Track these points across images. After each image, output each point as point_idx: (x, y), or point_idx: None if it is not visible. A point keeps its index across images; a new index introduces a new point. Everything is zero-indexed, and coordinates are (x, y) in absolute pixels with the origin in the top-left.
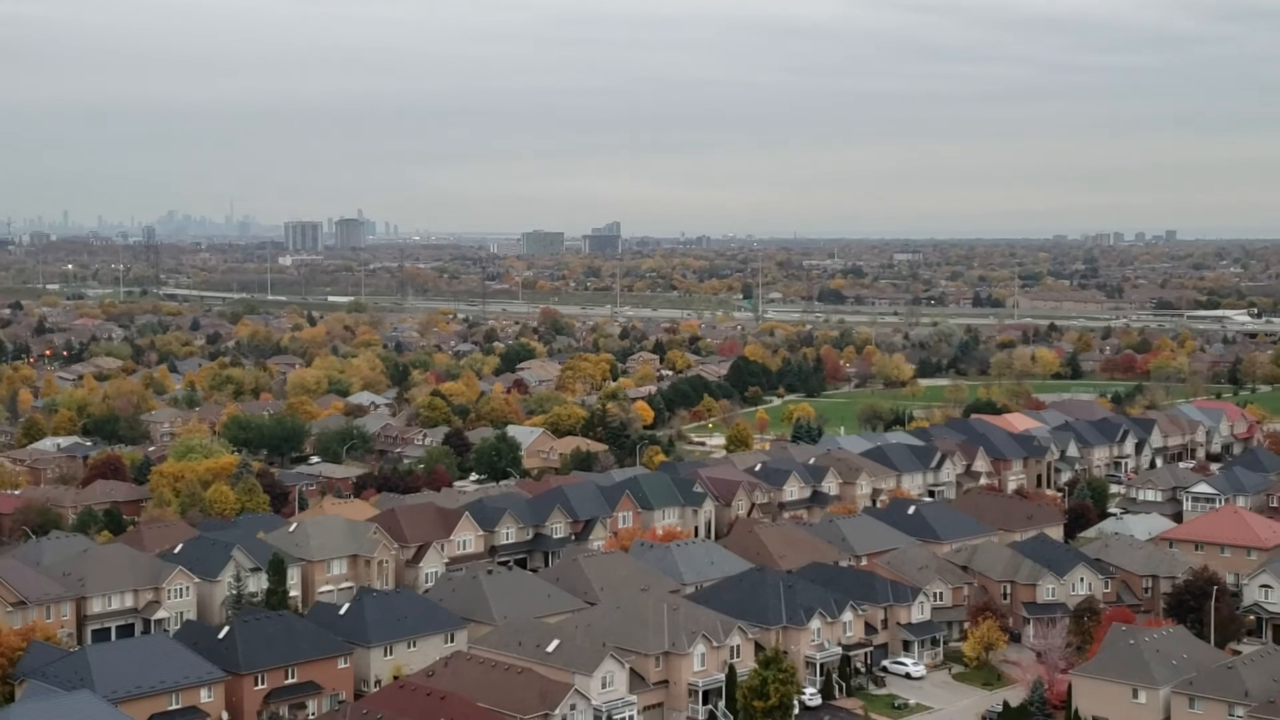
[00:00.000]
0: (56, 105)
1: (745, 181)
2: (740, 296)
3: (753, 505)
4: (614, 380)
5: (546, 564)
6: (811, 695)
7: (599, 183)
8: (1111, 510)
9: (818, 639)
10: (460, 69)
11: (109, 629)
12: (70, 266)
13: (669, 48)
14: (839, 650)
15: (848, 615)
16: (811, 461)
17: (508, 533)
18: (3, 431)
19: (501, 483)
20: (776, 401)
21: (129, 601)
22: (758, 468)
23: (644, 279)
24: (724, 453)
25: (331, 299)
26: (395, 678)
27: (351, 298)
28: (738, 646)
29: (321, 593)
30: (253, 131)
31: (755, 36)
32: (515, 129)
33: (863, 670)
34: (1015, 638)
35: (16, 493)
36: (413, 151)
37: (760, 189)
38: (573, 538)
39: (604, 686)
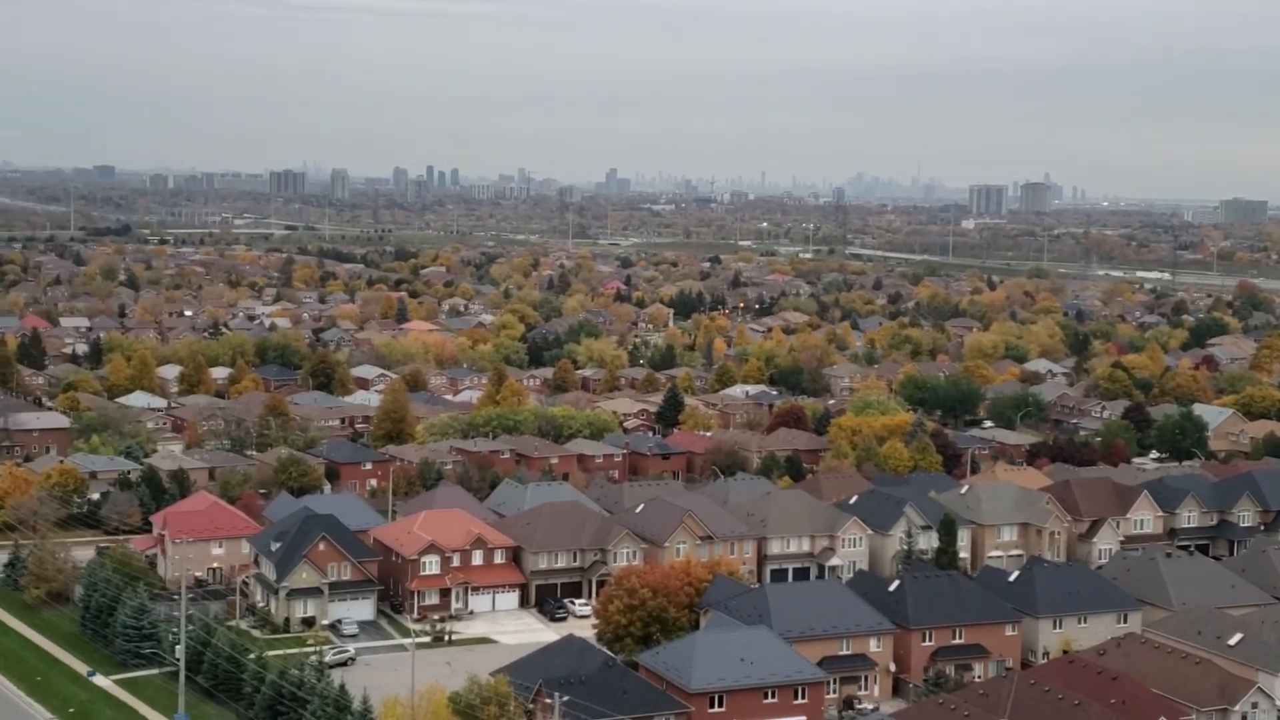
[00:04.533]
0: (762, 69)
1: None
2: None
3: None
4: None
5: (1231, 553)
6: None
7: None
8: None
9: None
10: (1155, 29)
11: (786, 570)
12: (764, 224)
13: None
14: None
15: None
16: None
17: (1189, 516)
18: (699, 376)
19: (1184, 463)
20: None
21: (805, 546)
22: None
23: None
24: None
25: (1013, 264)
26: (1064, 651)
27: (1033, 263)
28: None
29: (990, 557)
30: (941, 94)
31: None
32: (1216, 91)
33: None
34: None
35: (708, 434)
36: (1104, 114)
37: None
38: (1261, 528)
39: None
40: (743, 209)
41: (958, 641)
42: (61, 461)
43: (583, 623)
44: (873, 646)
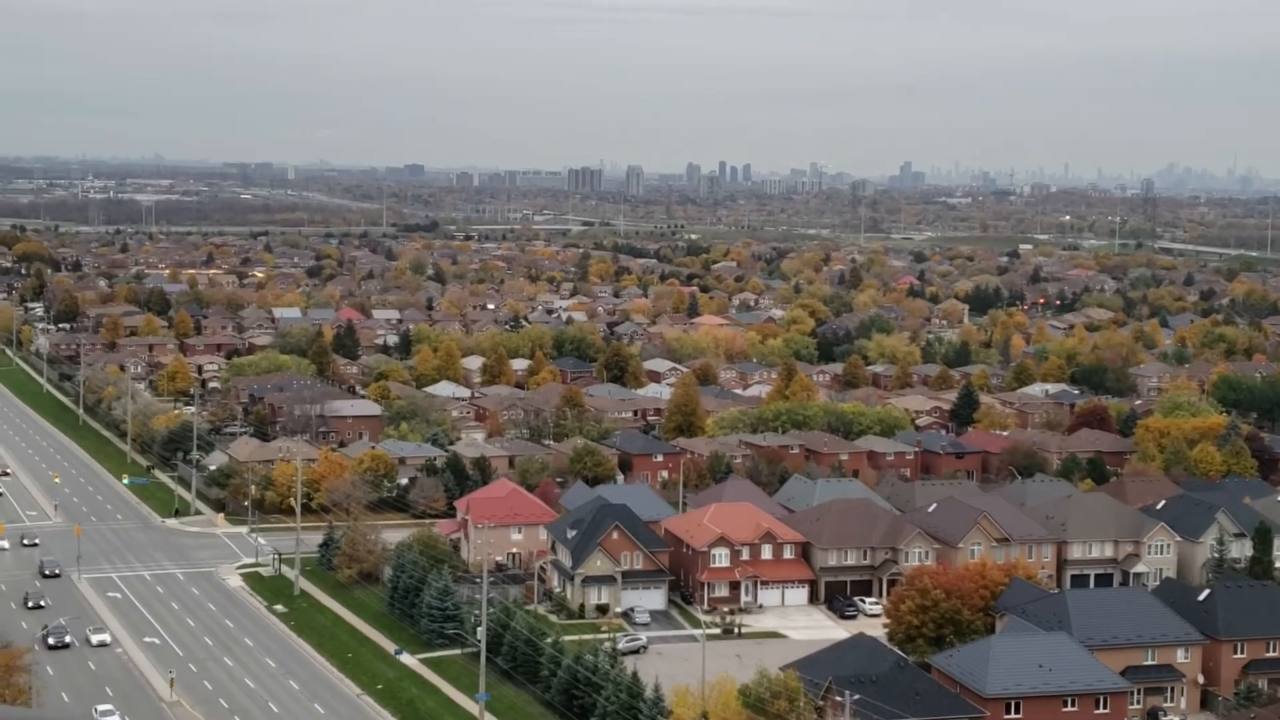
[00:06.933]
0: (1065, 60)
1: None
2: None
3: None
4: None
5: None
6: None
7: None
8: None
9: None
10: None
11: (1087, 575)
12: (1067, 217)
13: None
14: None
15: None
16: None
17: None
18: (995, 374)
19: None
20: None
21: (1108, 551)
22: None
23: None
24: None
25: None
26: None
27: None
28: None
29: None
30: (1259, 84)
31: None
32: None
33: None
34: None
35: (1005, 434)
36: None
37: None
38: None
39: None
40: (1043, 202)
41: (1272, 655)
42: (373, 448)
43: (873, 621)
44: (1180, 657)
